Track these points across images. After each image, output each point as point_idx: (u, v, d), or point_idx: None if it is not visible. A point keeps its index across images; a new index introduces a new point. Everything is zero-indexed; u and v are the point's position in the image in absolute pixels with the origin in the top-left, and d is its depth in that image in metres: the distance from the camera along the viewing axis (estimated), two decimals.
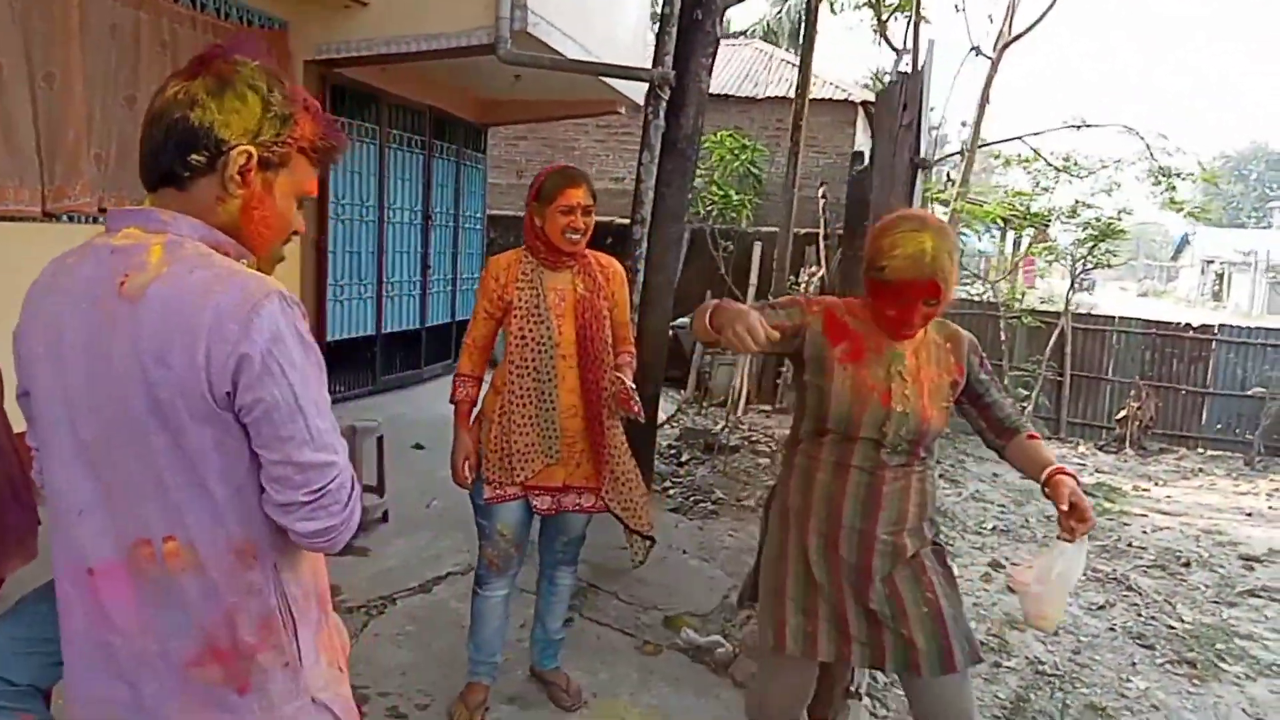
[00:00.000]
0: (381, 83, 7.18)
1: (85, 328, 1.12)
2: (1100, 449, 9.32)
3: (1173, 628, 4.39)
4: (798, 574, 2.14)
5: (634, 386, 2.64)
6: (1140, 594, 4.82)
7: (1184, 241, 47.89)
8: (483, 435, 2.68)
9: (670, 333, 9.88)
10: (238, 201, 1.18)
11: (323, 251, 6.84)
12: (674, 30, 5.50)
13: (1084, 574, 5.01)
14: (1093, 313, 10.89)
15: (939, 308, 1.94)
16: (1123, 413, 9.37)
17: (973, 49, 7.72)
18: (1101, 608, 4.60)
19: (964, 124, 10.16)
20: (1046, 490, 1.95)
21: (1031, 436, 2.07)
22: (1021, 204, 9.22)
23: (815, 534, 2.10)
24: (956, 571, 4.71)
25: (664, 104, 5.55)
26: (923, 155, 2.48)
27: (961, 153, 8.45)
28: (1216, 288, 39.63)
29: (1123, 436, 9.26)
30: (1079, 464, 8.41)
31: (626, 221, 5.94)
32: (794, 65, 12.52)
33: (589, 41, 6.91)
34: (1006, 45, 7.22)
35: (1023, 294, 11.86)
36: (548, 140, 13.44)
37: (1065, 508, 1.89)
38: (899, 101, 2.49)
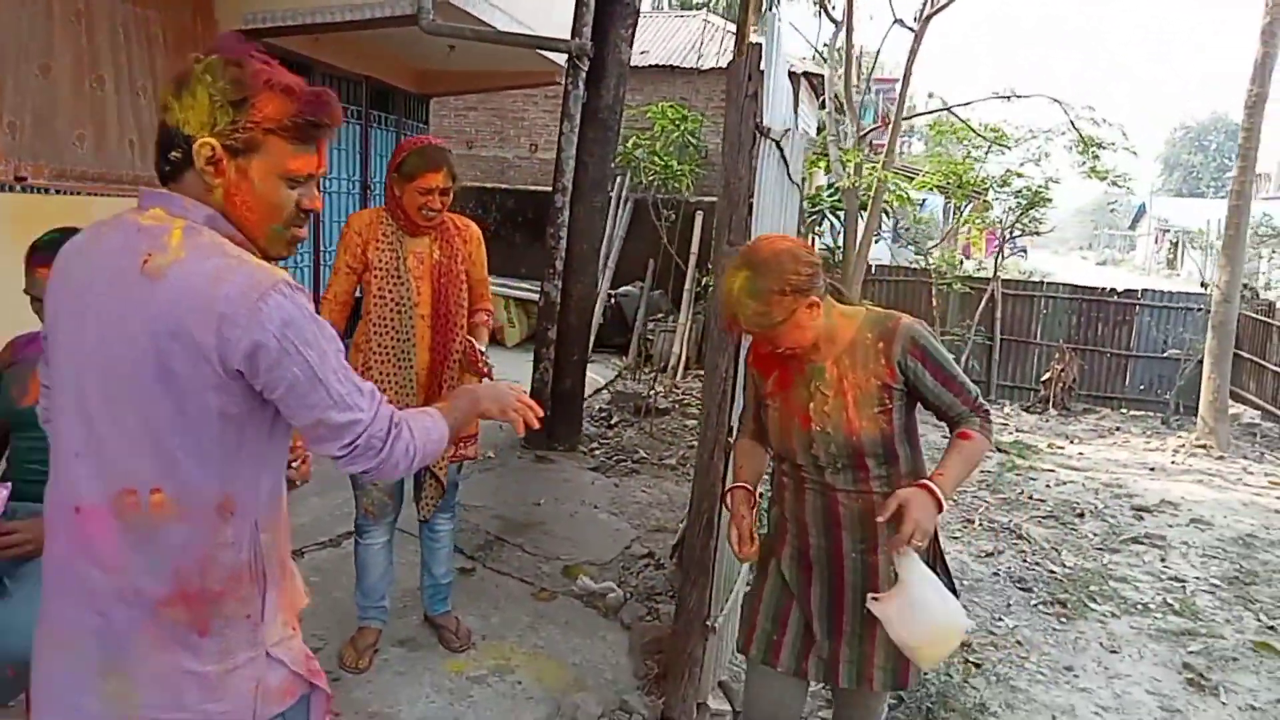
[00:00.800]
0: (314, 53, 7.19)
1: (106, 295, 1.23)
2: (1026, 410, 9.64)
3: (1053, 572, 4.67)
4: (775, 583, 2.14)
5: (484, 348, 2.81)
6: (1030, 542, 5.10)
7: (1141, 211, 48.64)
8: None
9: (612, 300, 10.08)
10: (219, 190, 1.26)
11: None
12: (592, 2, 5.62)
13: (974, 525, 5.30)
14: (1021, 279, 11.20)
15: (772, 341, 1.88)
16: (1047, 375, 9.70)
17: (895, 20, 7.90)
18: (990, 555, 4.87)
19: (930, 95, 10.37)
20: None
21: (962, 435, 1.91)
22: (954, 174, 9.44)
23: (790, 546, 2.10)
24: None
25: (583, 75, 5.68)
26: (762, 123, 2.63)
27: (875, 125, 8.63)
28: (1171, 256, 40.37)
29: (1047, 398, 9.59)
30: (1002, 424, 8.73)
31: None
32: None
33: (519, 12, 6.97)
34: (930, 17, 7.39)
35: (961, 262, 12.15)
36: (497, 110, 13.41)
37: (881, 518, 1.80)
38: (744, 73, 2.65)
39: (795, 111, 12.31)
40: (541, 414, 1.69)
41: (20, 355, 2.28)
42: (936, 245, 10.83)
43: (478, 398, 1.62)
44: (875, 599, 1.83)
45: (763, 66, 2.67)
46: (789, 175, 4.78)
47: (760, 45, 2.62)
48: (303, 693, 1.41)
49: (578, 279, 6.00)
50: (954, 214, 11.10)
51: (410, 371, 2.82)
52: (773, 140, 2.92)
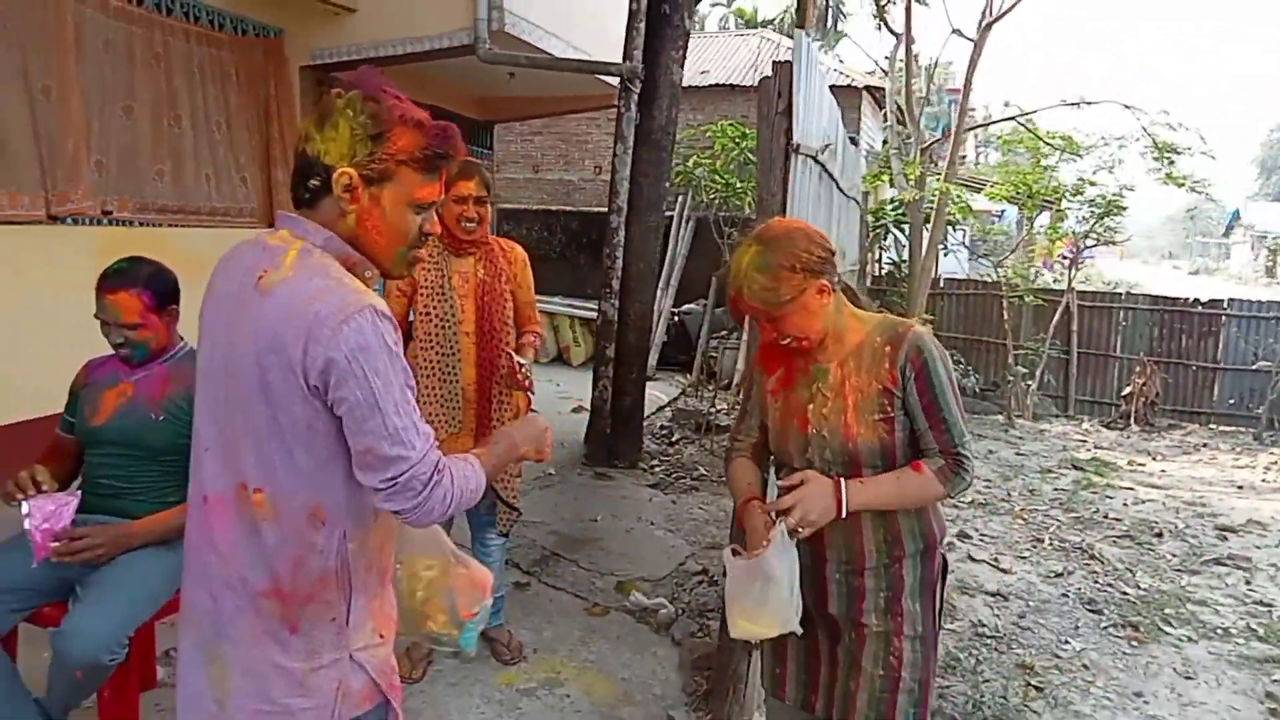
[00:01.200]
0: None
1: (231, 306, 1.36)
2: (1106, 426, 9.29)
3: (1126, 594, 4.49)
4: None
5: (525, 363, 2.87)
6: (1102, 562, 4.91)
7: (1235, 218, 46.55)
8: None
9: (676, 318, 10.12)
10: (353, 216, 1.36)
11: None
12: (643, 25, 5.70)
13: (1044, 544, 5.14)
14: (1098, 290, 10.82)
15: (778, 324, 1.76)
16: (1128, 389, 9.33)
17: (953, 31, 7.78)
18: (1059, 575, 4.70)
19: (1007, 104, 10.19)
20: None
21: (915, 465, 1.75)
22: (1023, 184, 9.21)
23: None
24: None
25: (635, 97, 5.76)
26: (795, 141, 2.64)
27: (940, 137, 8.48)
28: (1270, 264, 38.49)
29: (1128, 413, 9.22)
30: (1080, 440, 8.44)
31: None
32: None
33: (575, 38, 7.12)
34: (989, 25, 7.25)
35: (1036, 274, 11.82)
36: (562, 134, 13.68)
37: (781, 482, 1.81)
38: (775, 90, 2.66)
39: (858, 126, 12.23)
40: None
41: (92, 377, 2.42)
42: (1006, 257, 10.55)
43: (515, 442, 1.63)
44: (735, 550, 1.80)
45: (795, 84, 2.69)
46: (840, 190, 4.76)
47: (790, 63, 2.63)
48: (380, 701, 1.47)
49: (635, 298, 6.05)
50: (1026, 225, 10.80)
51: (456, 387, 2.89)
52: (808, 156, 2.92)
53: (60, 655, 2.01)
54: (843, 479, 1.74)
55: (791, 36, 9.29)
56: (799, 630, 1.78)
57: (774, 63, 2.65)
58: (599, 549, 4.44)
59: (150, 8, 5.29)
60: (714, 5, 34.46)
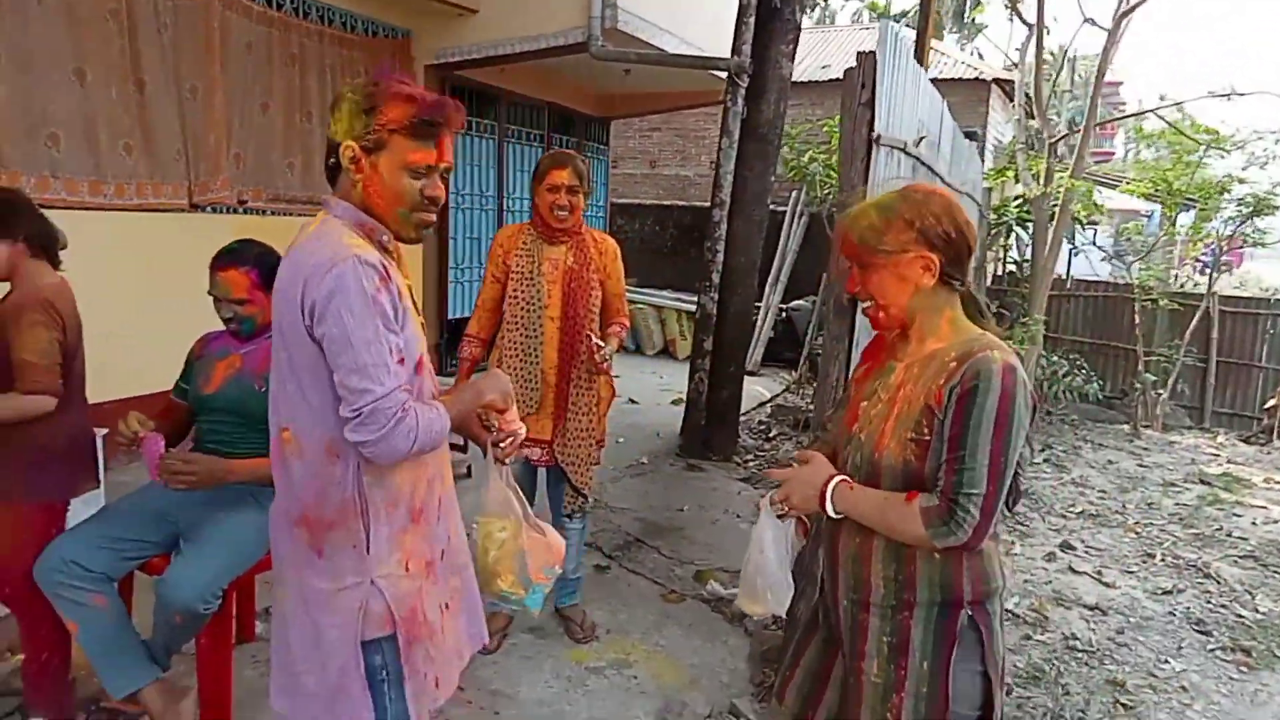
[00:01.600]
0: (501, 82, 7.75)
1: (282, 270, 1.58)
2: (1244, 440, 8.64)
3: (1241, 617, 4.21)
4: (800, 617, 2.00)
5: (604, 345, 2.96)
6: (1218, 582, 4.61)
7: None
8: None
9: (783, 314, 10.04)
10: (360, 185, 1.55)
11: (444, 238, 7.51)
12: (752, 19, 5.71)
13: (1155, 560, 4.87)
14: (1242, 294, 10.04)
15: (865, 274, 1.63)
16: (1272, 401, 8.63)
17: (1086, 20, 7.38)
18: (1168, 592, 4.45)
19: (1162, 97, 9.64)
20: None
21: (909, 494, 1.55)
22: (1163, 181, 8.66)
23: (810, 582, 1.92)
24: (1018, 550, 4.71)
25: (743, 91, 5.77)
26: (877, 132, 2.62)
27: (1066, 131, 8.05)
28: None
29: (1270, 427, 8.53)
30: (1212, 454, 7.88)
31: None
32: (934, 49, 12.21)
33: (688, 33, 7.19)
34: (1125, 14, 6.84)
35: (1176, 275, 11.10)
36: (679, 130, 13.77)
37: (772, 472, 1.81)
38: (858, 81, 2.65)
39: (985, 120, 11.79)
40: (517, 437, 1.78)
41: (206, 350, 2.66)
42: (1140, 258, 9.94)
43: (480, 390, 1.72)
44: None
45: (879, 74, 2.67)
46: (945, 184, 4.63)
47: (873, 54, 2.61)
48: (394, 631, 1.60)
49: (735, 292, 6.07)
50: (1166, 224, 10.16)
51: (537, 368, 3.01)
52: (894, 147, 2.88)
53: (161, 601, 2.24)
54: (834, 476, 1.65)
55: (914, 27, 9.03)
56: (778, 611, 1.80)
57: (858, 53, 2.64)
58: (682, 538, 4.50)
59: (288, 12, 5.69)
60: None
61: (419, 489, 1.63)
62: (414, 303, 1.65)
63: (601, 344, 2.94)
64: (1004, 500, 1.51)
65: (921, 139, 3.30)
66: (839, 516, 1.65)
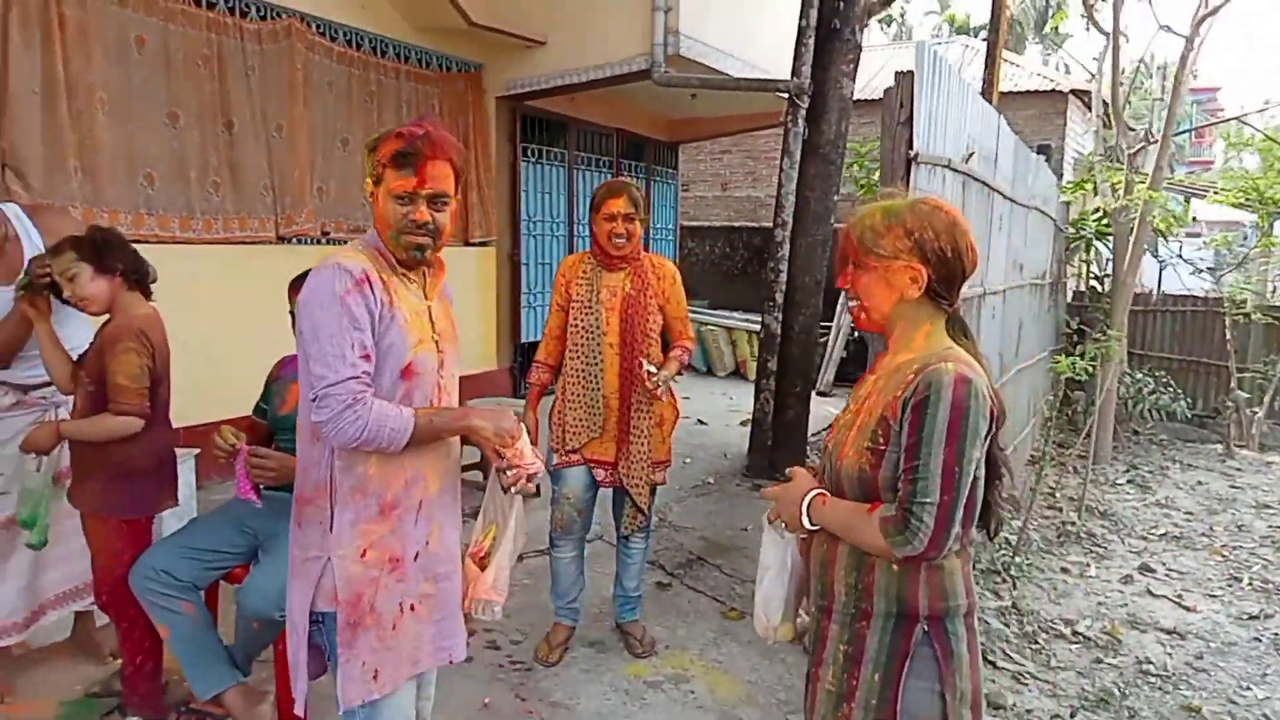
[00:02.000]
0: (569, 110, 7.98)
1: None
2: None
3: None
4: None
5: (657, 372, 3.01)
6: None
7: None
8: (553, 411, 3.21)
9: (855, 334, 9.96)
10: (374, 214, 1.79)
11: (516, 264, 7.73)
12: (812, 40, 5.76)
13: (1242, 584, 4.68)
14: None
15: (856, 271, 1.65)
16: None
17: (1162, 27, 7.17)
18: (1254, 617, 4.27)
19: (1266, 103, 9.27)
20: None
21: (872, 505, 1.57)
22: (1254, 190, 8.30)
23: None
24: (1093, 572, 4.59)
25: (803, 112, 5.82)
26: (916, 150, 2.66)
27: (1145, 141, 7.79)
28: None
29: None
30: None
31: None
32: (1009, 61, 12.04)
33: (751, 56, 7.28)
34: (1202, 20, 6.63)
35: (1274, 287, 10.58)
36: (749, 152, 13.84)
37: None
38: (897, 100, 2.70)
39: (1064, 133, 11.52)
40: (531, 478, 1.84)
41: (283, 371, 2.85)
42: (1229, 271, 9.53)
43: (466, 415, 1.80)
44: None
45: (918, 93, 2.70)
46: (1006, 199, 4.59)
47: (911, 73, 2.65)
48: (335, 610, 1.74)
49: (799, 311, 6.09)
50: (1260, 235, 9.73)
51: (598, 394, 3.10)
52: (936, 165, 2.91)
53: (241, 608, 2.41)
54: (811, 490, 1.68)
55: (989, 43, 8.92)
56: (771, 636, 1.85)
57: (896, 73, 2.69)
58: (744, 556, 4.53)
59: (367, 51, 6.00)
60: (927, 14, 33.44)
61: (392, 486, 1.75)
62: (431, 322, 1.81)
63: (653, 370, 3.01)
64: (965, 514, 1.52)
65: (970, 155, 3.30)
66: (815, 528, 1.68)
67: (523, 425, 1.87)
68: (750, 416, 6.54)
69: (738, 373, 10.39)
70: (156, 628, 2.47)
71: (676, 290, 3.23)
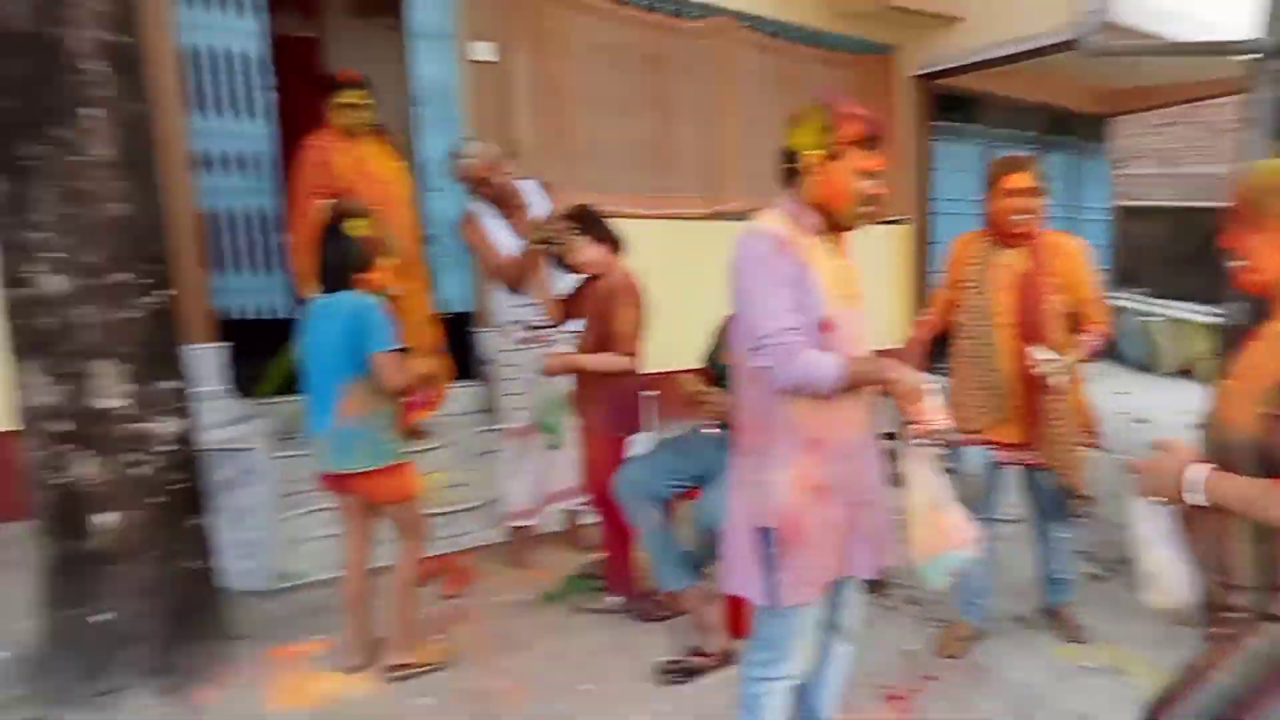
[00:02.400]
0: (986, 85, 7.64)
1: None
2: None
3: None
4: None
5: (1047, 357, 2.76)
6: None
7: None
8: (950, 391, 3.04)
9: None
10: (816, 184, 1.91)
11: (924, 242, 7.62)
12: None
13: None
14: None
15: (1243, 230, 1.58)
16: None
17: None
18: None
19: None
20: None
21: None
22: None
23: None
24: None
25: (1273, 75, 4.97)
26: None
27: None
28: None
29: None
30: None
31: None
32: None
33: (1203, 14, 6.35)
34: None
35: None
36: (1202, 124, 12.05)
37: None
38: None
39: None
40: (938, 434, 1.86)
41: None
42: None
43: (887, 367, 1.87)
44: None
45: None
46: None
47: None
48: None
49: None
50: None
51: (994, 376, 2.91)
52: None
53: (695, 522, 2.82)
54: (1193, 462, 1.52)
55: None
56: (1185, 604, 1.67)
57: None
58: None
59: (786, 40, 6.33)
60: None
61: (818, 425, 1.92)
62: (843, 280, 1.95)
63: (1042, 356, 2.76)
64: None
65: None
66: (1204, 504, 1.50)
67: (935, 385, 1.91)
68: (1199, 419, 5.75)
69: (1185, 371, 9.09)
70: (630, 527, 2.94)
71: (1081, 269, 2.92)
